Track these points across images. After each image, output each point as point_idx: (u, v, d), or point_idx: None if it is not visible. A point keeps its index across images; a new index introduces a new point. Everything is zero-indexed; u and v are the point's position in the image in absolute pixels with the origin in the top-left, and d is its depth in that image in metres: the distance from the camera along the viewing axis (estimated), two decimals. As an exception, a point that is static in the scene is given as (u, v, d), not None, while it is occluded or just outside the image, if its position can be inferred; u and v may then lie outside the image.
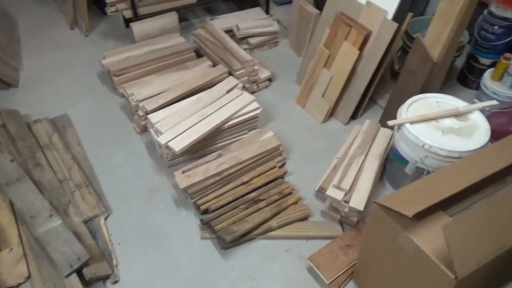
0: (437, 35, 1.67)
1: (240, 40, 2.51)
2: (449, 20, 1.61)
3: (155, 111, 1.89)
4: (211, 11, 2.93)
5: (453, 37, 1.67)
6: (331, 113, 2.10)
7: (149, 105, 1.92)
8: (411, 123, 1.50)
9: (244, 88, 2.13)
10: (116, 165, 1.89)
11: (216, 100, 1.92)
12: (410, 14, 1.81)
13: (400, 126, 1.54)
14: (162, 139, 1.72)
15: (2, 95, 2.24)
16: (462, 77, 2.29)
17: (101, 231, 1.61)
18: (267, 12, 2.81)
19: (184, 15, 2.83)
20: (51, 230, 1.51)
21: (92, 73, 2.40)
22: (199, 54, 2.39)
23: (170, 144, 1.71)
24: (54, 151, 1.88)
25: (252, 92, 2.27)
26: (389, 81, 2.30)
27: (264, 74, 2.26)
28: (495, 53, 2.10)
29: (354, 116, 2.09)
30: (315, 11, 2.36)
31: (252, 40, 2.50)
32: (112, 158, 1.93)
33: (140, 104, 1.94)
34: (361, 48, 1.89)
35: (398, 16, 1.82)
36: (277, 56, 2.55)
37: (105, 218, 1.67)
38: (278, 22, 2.74)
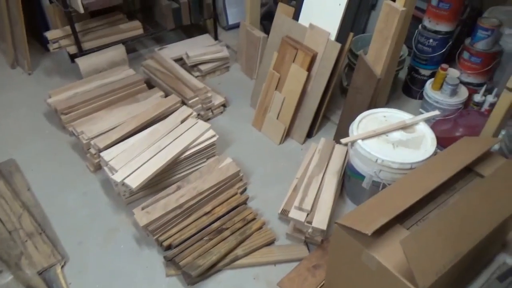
0: (378, 53, 1.75)
1: (191, 68, 2.51)
2: (387, 37, 1.69)
3: (108, 147, 1.83)
4: (159, 40, 2.91)
5: (393, 53, 1.77)
6: (287, 134, 2.14)
7: (101, 142, 1.85)
8: (363, 139, 1.56)
9: (199, 115, 2.12)
10: (70, 208, 1.81)
11: (171, 131, 1.89)
12: (351, 34, 1.89)
13: (353, 143, 1.59)
14: (117, 177, 1.67)
15: None
16: (406, 88, 2.41)
17: (58, 281, 1.52)
18: (215, 38, 2.84)
19: (132, 46, 2.79)
20: (2, 287, 1.40)
21: (38, 113, 2.30)
22: (150, 85, 2.37)
23: (126, 181, 1.66)
24: (0, 199, 1.77)
25: (208, 119, 2.26)
26: (339, 98, 2.37)
27: (217, 100, 2.27)
28: (433, 64, 2.23)
29: (309, 135, 2.13)
30: (262, 35, 2.41)
31: (203, 67, 2.51)
32: (65, 200, 1.84)
33: (92, 142, 1.88)
34: (309, 69, 1.95)
35: (341, 36, 1.90)
36: (230, 80, 2.57)
37: (62, 267, 1.57)
38: (228, 47, 2.77)
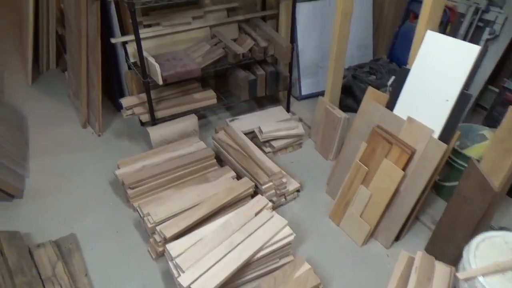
0: (497, 163, 1.49)
1: (263, 143, 2.36)
2: (510, 150, 1.44)
3: (175, 237, 1.67)
4: (230, 108, 2.81)
5: (514, 163, 1.50)
6: (371, 233, 1.88)
7: (168, 229, 1.70)
8: (484, 275, 1.27)
9: (271, 201, 1.93)
10: (128, 303, 1.64)
11: (244, 225, 1.70)
12: (458, 133, 1.66)
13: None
14: (184, 281, 1.48)
15: (4, 208, 2.04)
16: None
17: None
18: (288, 109, 2.70)
19: (202, 113, 2.71)
20: None
21: (104, 180, 2.22)
22: (219, 158, 2.23)
23: (193, 286, 1.47)
24: (57, 286, 1.63)
25: (280, 206, 2.06)
26: (429, 194, 2.10)
27: (292, 185, 2.07)
28: (546, 166, 1.92)
29: (397, 237, 1.86)
30: (343, 115, 2.23)
31: (275, 144, 2.35)
32: (123, 292, 1.67)
33: (158, 228, 1.73)
34: (405, 167, 1.72)
35: (444, 134, 1.67)
36: (303, 159, 2.38)
37: None
38: (301, 120, 2.62)
